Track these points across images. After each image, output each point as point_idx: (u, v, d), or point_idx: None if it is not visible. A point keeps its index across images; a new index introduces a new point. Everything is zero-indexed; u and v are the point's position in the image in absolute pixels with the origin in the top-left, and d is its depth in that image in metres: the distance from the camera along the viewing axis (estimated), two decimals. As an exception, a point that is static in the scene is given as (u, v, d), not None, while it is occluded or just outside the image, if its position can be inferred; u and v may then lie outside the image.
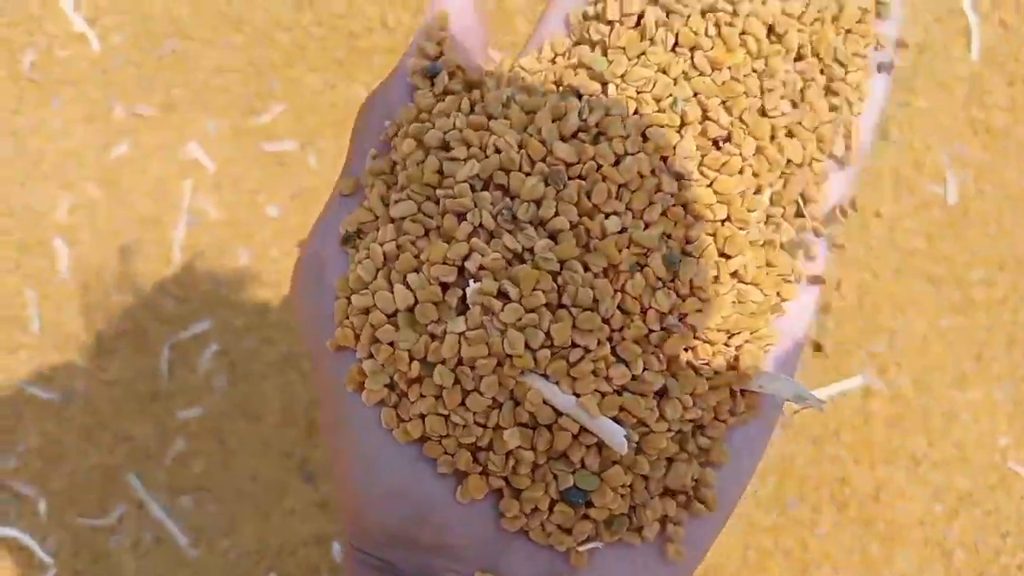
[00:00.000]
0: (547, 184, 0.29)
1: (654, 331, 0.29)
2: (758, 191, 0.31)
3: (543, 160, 0.30)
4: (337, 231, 0.32)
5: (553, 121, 0.30)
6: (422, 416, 0.28)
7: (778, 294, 0.31)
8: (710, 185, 0.30)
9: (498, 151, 0.30)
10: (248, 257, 0.78)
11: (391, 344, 0.29)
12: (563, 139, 0.30)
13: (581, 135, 0.30)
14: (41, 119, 0.81)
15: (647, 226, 0.29)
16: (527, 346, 0.28)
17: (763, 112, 0.31)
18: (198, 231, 0.79)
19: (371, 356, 0.29)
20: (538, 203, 0.29)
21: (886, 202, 0.82)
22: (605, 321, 0.28)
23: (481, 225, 0.29)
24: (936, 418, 0.78)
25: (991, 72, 0.85)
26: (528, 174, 0.30)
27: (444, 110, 0.32)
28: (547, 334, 0.28)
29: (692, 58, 0.31)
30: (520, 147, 0.30)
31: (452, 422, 0.28)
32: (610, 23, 0.32)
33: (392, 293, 0.29)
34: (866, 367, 0.78)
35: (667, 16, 0.32)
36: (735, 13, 0.31)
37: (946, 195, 0.82)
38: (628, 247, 0.29)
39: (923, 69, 0.85)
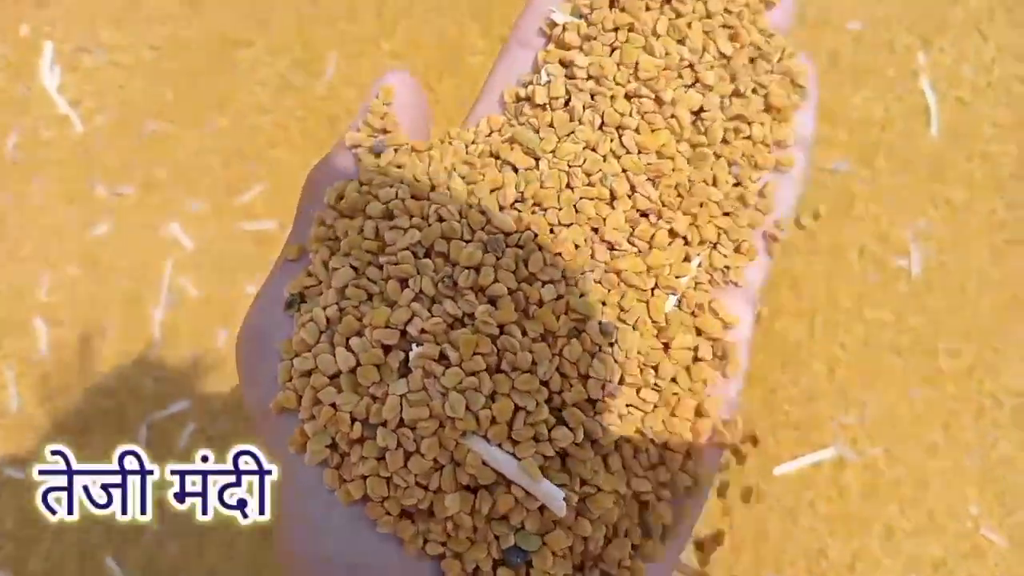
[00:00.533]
0: (486, 252, 0.30)
1: (595, 399, 0.29)
2: (687, 259, 0.32)
3: (483, 229, 0.31)
4: (282, 296, 0.33)
5: (492, 192, 0.32)
6: (364, 477, 0.28)
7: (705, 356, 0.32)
8: (639, 255, 0.32)
9: (440, 219, 0.31)
10: (226, 337, 0.79)
11: (333, 405, 0.29)
12: (501, 209, 0.32)
13: (518, 206, 0.32)
14: (23, 198, 0.82)
15: (582, 294, 0.30)
16: (468, 408, 0.28)
17: (688, 189, 0.33)
18: (178, 310, 0.80)
19: (313, 418, 0.29)
20: (477, 270, 0.30)
21: (853, 276, 0.84)
22: (544, 383, 0.29)
23: (422, 291, 0.30)
24: (908, 487, 0.79)
25: (950, 148, 0.88)
26: (468, 242, 0.31)
27: (387, 182, 0.33)
28: (488, 397, 0.28)
29: (620, 137, 0.33)
30: (461, 216, 0.32)
31: (394, 483, 0.28)
32: (540, 105, 0.34)
33: (334, 356, 0.30)
34: (838, 438, 0.79)
35: (592, 99, 0.33)
36: (659, 100, 0.33)
37: (911, 268, 0.84)
38: (565, 313, 0.30)
39: (885, 146, 0.87)
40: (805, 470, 0.79)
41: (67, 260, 0.81)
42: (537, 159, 0.33)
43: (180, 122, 0.85)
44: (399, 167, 0.33)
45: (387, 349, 0.30)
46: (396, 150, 0.34)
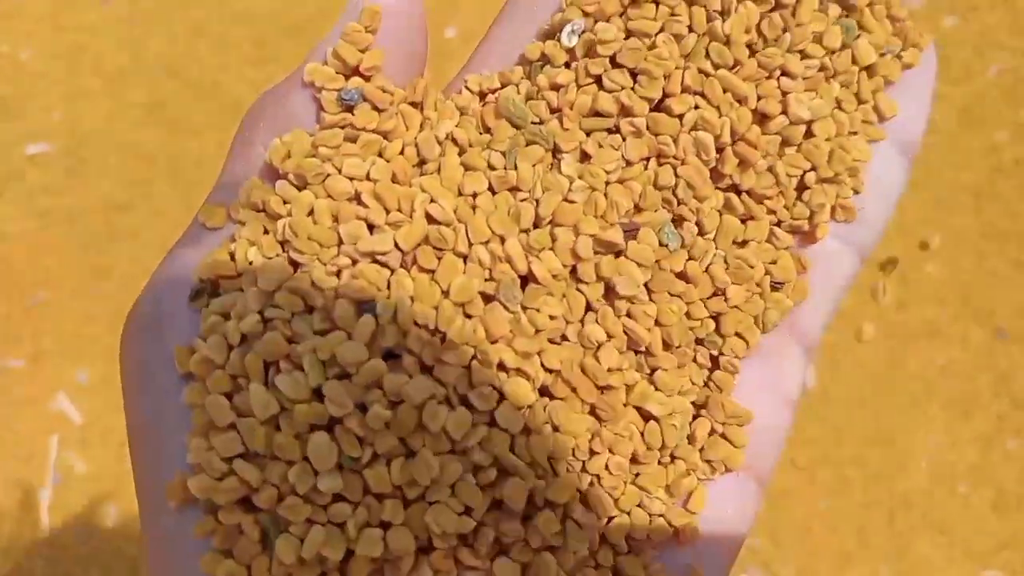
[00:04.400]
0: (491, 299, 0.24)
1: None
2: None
3: (485, 244, 0.24)
4: (186, 277, 0.24)
5: (489, 190, 0.25)
6: None
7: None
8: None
9: (431, 219, 0.24)
10: (116, 514, 0.76)
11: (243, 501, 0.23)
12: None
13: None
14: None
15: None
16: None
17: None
18: (66, 489, 0.77)
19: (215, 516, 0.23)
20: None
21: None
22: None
23: (394, 321, 0.23)
24: (826, 604, 0.79)
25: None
26: (464, 258, 0.24)
27: (354, 150, 0.25)
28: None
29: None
30: (458, 218, 0.24)
31: None
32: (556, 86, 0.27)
33: (236, 397, 0.23)
34: (748, 565, 0.79)
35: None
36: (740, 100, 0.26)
37: (805, 380, 0.85)
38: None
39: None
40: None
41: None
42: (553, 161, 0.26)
43: (66, 289, 0.84)
44: (379, 132, 0.25)
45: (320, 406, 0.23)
46: (376, 107, 0.25)
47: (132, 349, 0.25)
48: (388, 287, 0.23)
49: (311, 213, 0.24)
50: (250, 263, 0.24)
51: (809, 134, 0.27)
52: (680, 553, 0.26)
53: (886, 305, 0.88)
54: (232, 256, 0.24)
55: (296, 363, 0.23)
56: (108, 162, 0.89)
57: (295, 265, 0.24)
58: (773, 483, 0.80)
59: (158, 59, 0.92)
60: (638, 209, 0.26)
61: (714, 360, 0.27)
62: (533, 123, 0.26)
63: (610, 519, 0.25)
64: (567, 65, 0.27)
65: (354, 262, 0.23)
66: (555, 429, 0.24)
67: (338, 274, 0.23)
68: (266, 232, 0.24)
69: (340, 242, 0.24)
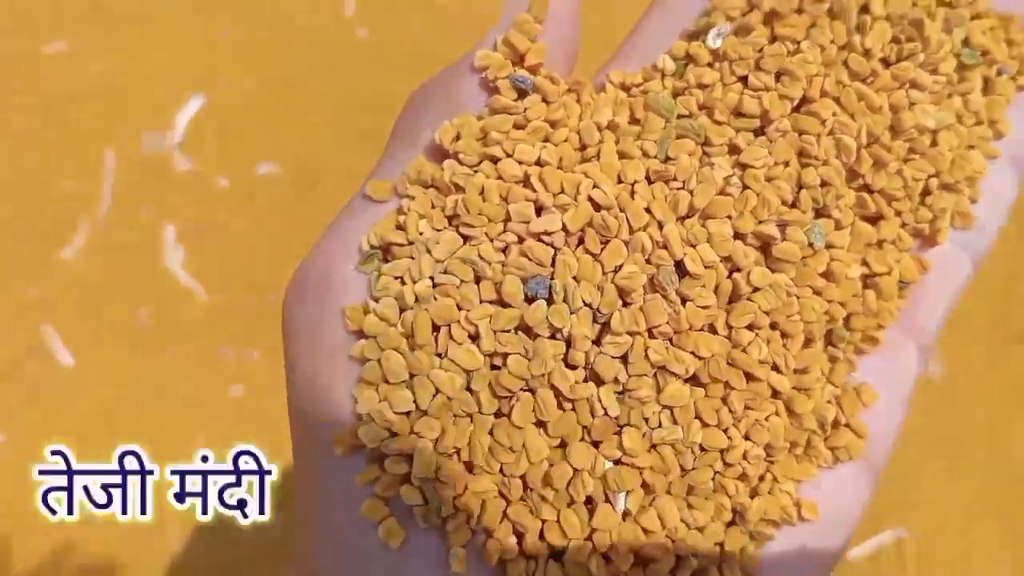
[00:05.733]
0: (652, 282, 0.26)
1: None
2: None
3: (644, 228, 0.26)
4: (356, 242, 0.26)
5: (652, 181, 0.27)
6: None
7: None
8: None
9: (595, 205, 0.26)
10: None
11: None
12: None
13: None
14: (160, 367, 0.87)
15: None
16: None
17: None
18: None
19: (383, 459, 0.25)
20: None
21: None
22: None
23: (562, 298, 0.25)
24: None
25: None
26: (626, 244, 0.26)
27: (523, 137, 0.27)
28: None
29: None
30: (620, 207, 0.26)
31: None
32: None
33: (418, 351, 0.25)
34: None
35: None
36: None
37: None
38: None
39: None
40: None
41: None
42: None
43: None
44: (547, 122, 0.27)
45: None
46: (545, 97, 0.27)
47: (299, 308, 0.26)
48: (553, 264, 0.25)
49: (482, 192, 0.26)
50: (421, 233, 0.26)
51: (934, 143, 0.29)
52: (796, 534, 0.27)
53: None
54: (401, 226, 0.26)
55: (466, 328, 0.25)
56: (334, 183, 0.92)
57: (464, 239, 0.26)
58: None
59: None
60: (788, 206, 0.28)
61: (832, 356, 0.29)
62: (681, 116, 0.28)
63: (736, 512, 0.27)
64: (710, 66, 0.29)
65: (520, 240, 0.26)
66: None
67: (505, 250, 0.26)
68: (433, 207, 0.26)
69: (507, 220, 0.26)
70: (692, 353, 0.26)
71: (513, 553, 0.25)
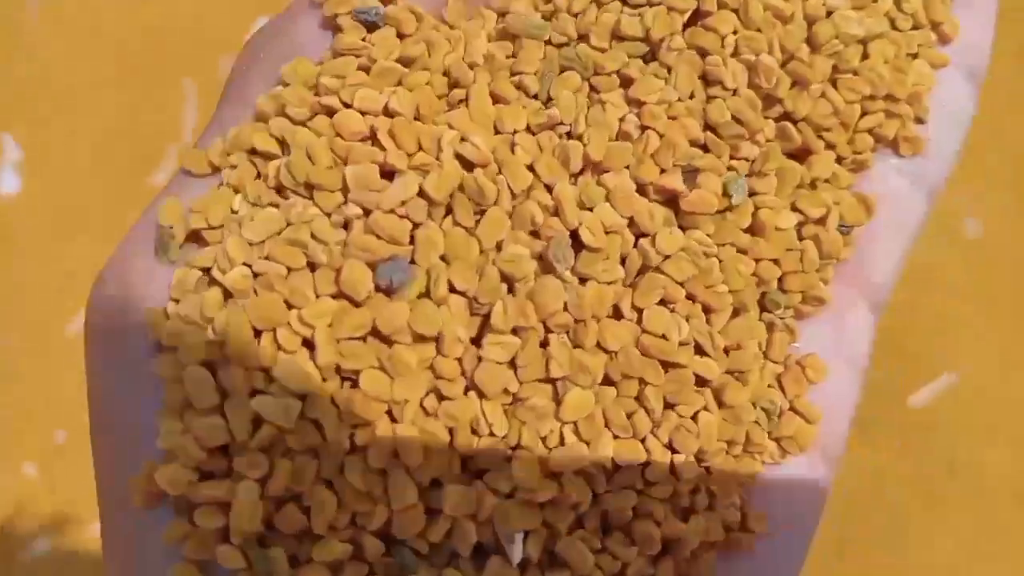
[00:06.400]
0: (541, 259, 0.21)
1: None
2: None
3: (528, 192, 0.21)
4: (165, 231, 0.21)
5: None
6: None
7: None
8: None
9: (466, 164, 0.21)
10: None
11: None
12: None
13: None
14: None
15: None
16: None
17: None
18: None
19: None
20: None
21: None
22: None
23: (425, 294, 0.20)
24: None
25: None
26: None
27: (371, 82, 0.22)
28: None
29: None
30: (498, 165, 0.21)
31: None
32: None
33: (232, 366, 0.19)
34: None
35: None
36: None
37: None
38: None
39: None
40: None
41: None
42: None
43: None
44: (401, 60, 0.22)
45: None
46: (401, 32, 0.23)
47: (96, 316, 0.21)
48: (412, 242, 0.20)
49: (308, 157, 0.20)
50: (235, 212, 0.21)
51: (864, 56, 0.24)
52: (744, 559, 0.22)
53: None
54: (218, 197, 0.21)
55: (299, 332, 0.19)
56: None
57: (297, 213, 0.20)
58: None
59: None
60: (699, 147, 0.23)
61: (769, 323, 0.23)
62: (561, 45, 0.23)
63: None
64: None
65: (367, 213, 0.20)
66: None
67: (346, 226, 0.20)
68: (258, 177, 0.21)
69: (347, 189, 0.20)
70: (598, 345, 0.21)
71: None
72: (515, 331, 0.20)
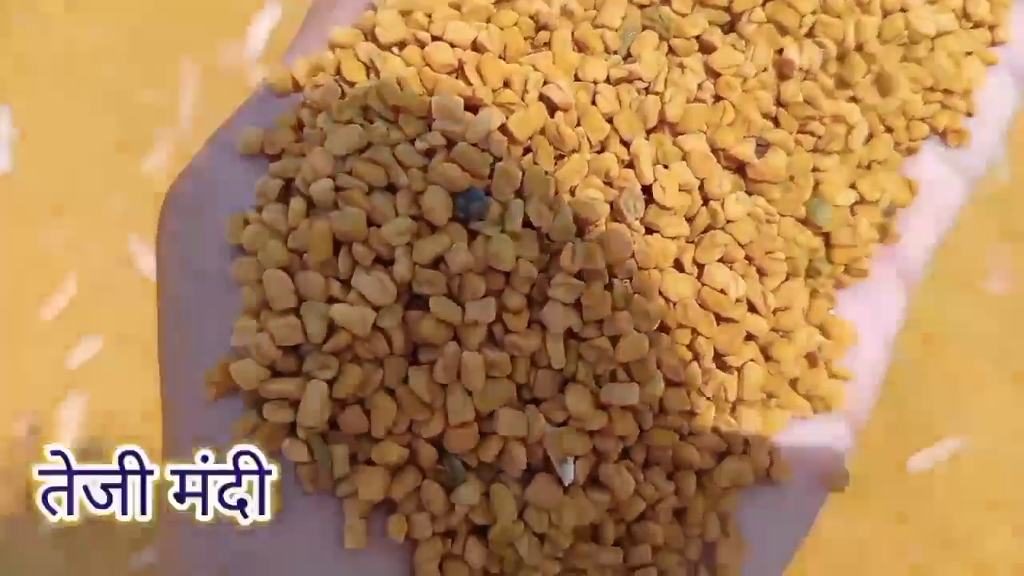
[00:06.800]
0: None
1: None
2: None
3: (604, 145, 0.22)
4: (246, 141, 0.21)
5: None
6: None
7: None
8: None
9: (550, 109, 0.22)
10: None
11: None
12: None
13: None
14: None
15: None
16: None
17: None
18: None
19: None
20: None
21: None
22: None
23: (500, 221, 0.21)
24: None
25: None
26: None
27: (462, 15, 0.23)
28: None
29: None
30: (579, 113, 0.22)
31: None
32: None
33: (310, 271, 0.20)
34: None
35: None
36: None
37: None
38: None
39: None
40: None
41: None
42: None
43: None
44: None
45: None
46: None
47: (173, 222, 0.22)
48: (491, 177, 0.21)
49: (400, 82, 0.21)
50: (320, 129, 0.21)
51: (931, 49, 0.25)
52: (767, 498, 0.24)
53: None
54: (299, 123, 0.22)
55: (375, 250, 0.20)
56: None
57: (368, 139, 0.21)
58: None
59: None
60: (771, 119, 0.24)
61: (812, 289, 0.24)
62: (641, 6, 0.23)
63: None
64: None
65: (450, 143, 0.21)
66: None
67: (427, 153, 0.21)
68: (343, 97, 0.21)
69: (430, 118, 0.21)
70: (660, 294, 0.22)
71: (426, 531, 0.21)
72: (580, 273, 0.21)
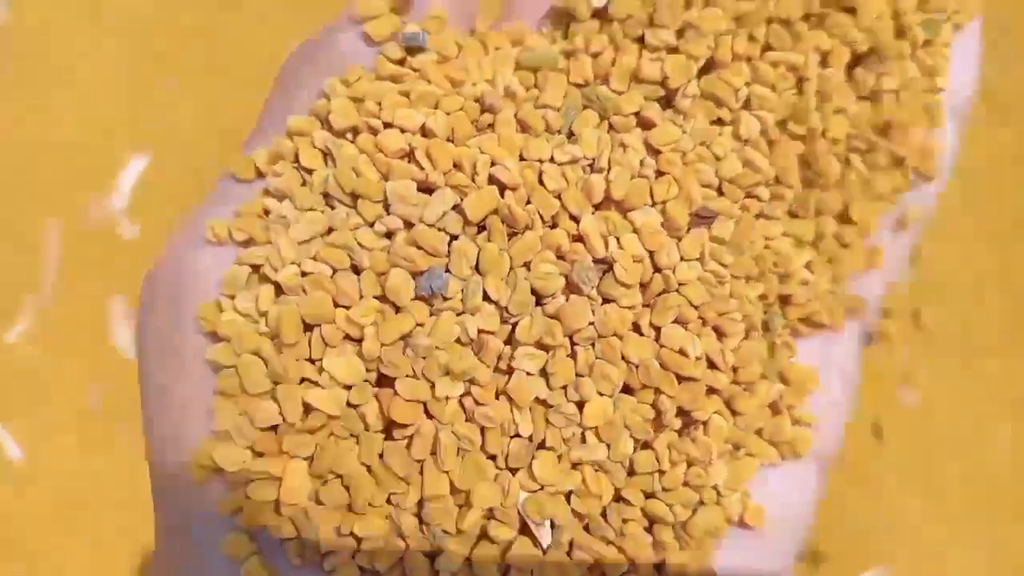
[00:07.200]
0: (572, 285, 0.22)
1: None
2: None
3: (554, 221, 0.23)
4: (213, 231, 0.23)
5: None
6: None
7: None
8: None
9: (499, 186, 0.22)
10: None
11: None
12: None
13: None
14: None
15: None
16: None
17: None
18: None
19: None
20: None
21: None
22: None
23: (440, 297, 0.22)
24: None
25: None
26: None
27: (410, 103, 0.23)
28: None
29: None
30: (527, 191, 0.22)
31: None
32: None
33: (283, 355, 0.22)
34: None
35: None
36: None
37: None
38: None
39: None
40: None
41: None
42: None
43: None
44: (449, 80, 0.24)
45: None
46: (443, 54, 0.24)
47: (150, 314, 0.23)
48: (448, 256, 0.22)
49: (353, 168, 0.22)
50: (283, 216, 0.22)
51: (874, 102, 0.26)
52: (743, 544, 0.24)
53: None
54: (265, 211, 0.23)
55: (344, 330, 0.21)
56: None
57: (341, 218, 0.22)
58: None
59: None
60: (714, 189, 0.24)
61: (770, 341, 0.25)
62: (579, 85, 0.24)
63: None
64: (601, 29, 0.25)
65: (408, 225, 0.22)
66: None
67: (387, 235, 0.22)
68: (304, 185, 0.23)
69: (387, 201, 0.22)
70: (621, 358, 0.22)
71: None
72: (540, 343, 0.22)
